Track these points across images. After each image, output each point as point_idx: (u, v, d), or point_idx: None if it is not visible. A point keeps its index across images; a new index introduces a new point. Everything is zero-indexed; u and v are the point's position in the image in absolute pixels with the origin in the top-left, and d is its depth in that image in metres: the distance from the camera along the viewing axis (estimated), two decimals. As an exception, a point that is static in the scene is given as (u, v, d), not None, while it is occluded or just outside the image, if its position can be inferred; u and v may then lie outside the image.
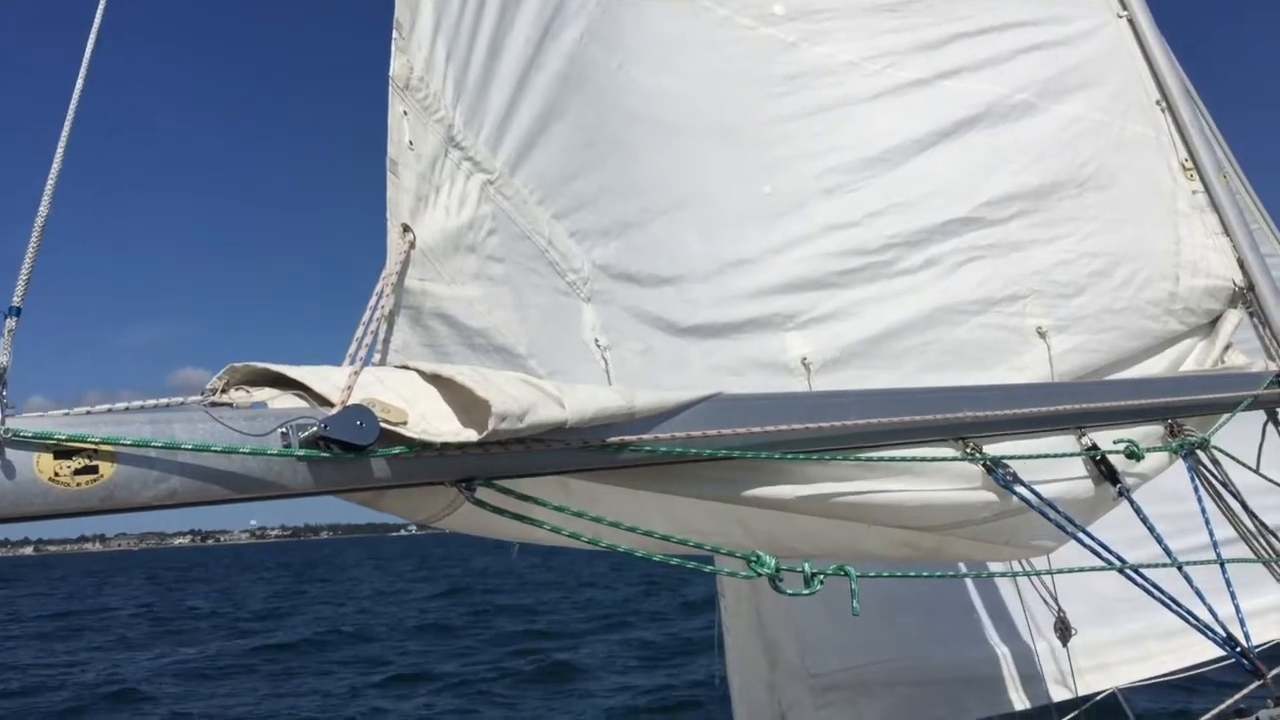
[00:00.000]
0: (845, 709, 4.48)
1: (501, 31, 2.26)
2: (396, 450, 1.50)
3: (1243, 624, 2.75)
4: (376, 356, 1.81)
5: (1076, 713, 4.82)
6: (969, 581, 4.88)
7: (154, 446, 1.31)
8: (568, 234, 2.32)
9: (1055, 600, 4.64)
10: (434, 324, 1.94)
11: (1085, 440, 2.67)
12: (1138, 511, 2.70)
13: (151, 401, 1.45)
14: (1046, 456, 2.53)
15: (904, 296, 2.79)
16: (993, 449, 2.41)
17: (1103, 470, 2.67)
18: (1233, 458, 3.03)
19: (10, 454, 1.23)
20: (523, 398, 1.60)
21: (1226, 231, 3.45)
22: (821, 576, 1.84)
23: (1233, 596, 2.77)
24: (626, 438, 1.77)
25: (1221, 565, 2.76)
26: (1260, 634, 3.72)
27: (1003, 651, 4.84)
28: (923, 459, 2.28)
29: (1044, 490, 2.47)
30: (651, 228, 2.50)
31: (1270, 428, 3.32)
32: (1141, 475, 2.78)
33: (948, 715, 4.65)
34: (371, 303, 1.79)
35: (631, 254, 2.43)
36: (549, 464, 1.71)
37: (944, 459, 2.32)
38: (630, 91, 2.62)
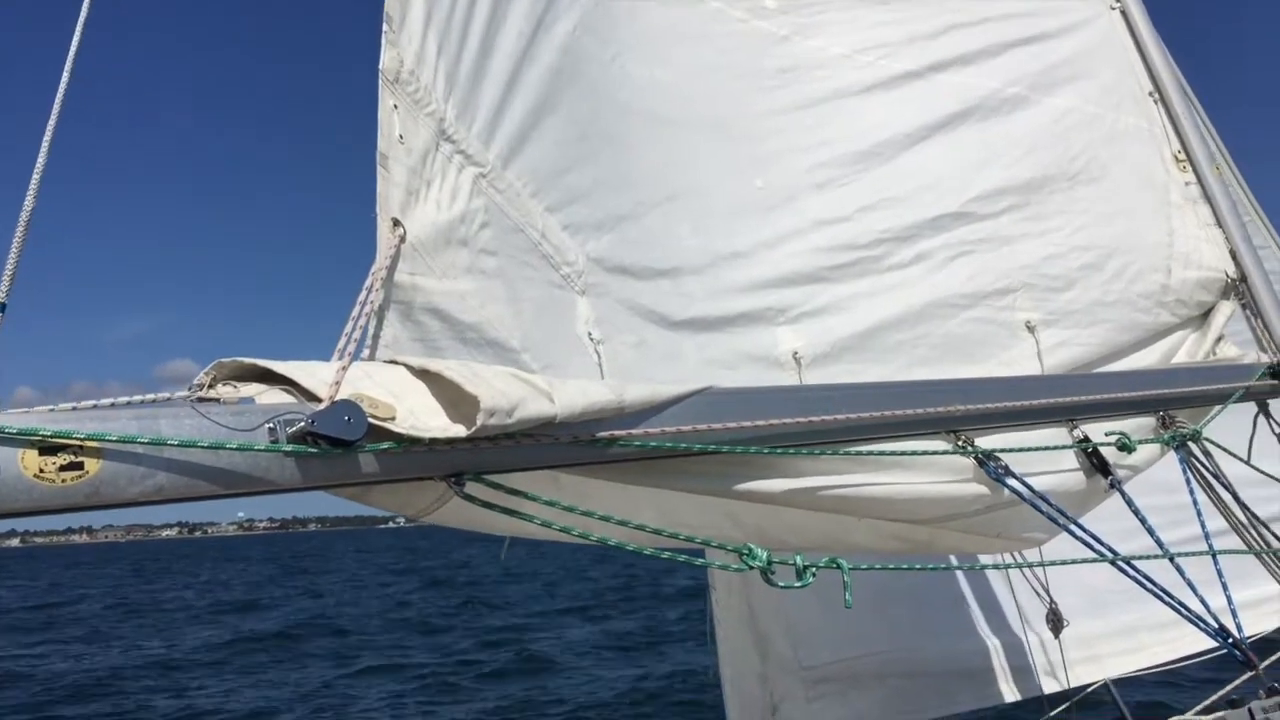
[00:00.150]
0: (837, 701, 4.48)
1: (494, 24, 2.25)
2: (385, 445, 1.49)
3: (1234, 615, 2.76)
4: (366, 352, 1.80)
5: (1067, 704, 4.83)
6: (960, 574, 4.89)
7: (140, 442, 1.30)
8: (561, 227, 2.31)
9: (1047, 592, 4.66)
10: (425, 319, 1.93)
11: (1077, 433, 2.67)
12: (1129, 503, 2.70)
13: (138, 397, 1.43)
14: (1038, 449, 2.53)
15: (895, 291, 2.79)
16: (984, 442, 2.41)
17: (1094, 462, 2.67)
18: (1224, 449, 3.04)
19: None
20: (511, 392, 1.59)
21: (1219, 223, 3.45)
22: (814, 569, 1.85)
23: (1224, 588, 2.78)
24: (616, 432, 1.76)
25: (1213, 557, 2.77)
26: (1252, 625, 3.74)
27: (994, 643, 4.85)
28: (914, 452, 2.28)
29: (1036, 483, 2.46)
30: (645, 221, 2.50)
31: (1262, 419, 3.33)
32: (1133, 467, 2.78)
33: (939, 707, 4.65)
34: (360, 297, 1.78)
35: (625, 247, 2.43)
36: (538, 459, 1.70)
37: (935, 452, 2.32)
38: (623, 84, 2.61)
